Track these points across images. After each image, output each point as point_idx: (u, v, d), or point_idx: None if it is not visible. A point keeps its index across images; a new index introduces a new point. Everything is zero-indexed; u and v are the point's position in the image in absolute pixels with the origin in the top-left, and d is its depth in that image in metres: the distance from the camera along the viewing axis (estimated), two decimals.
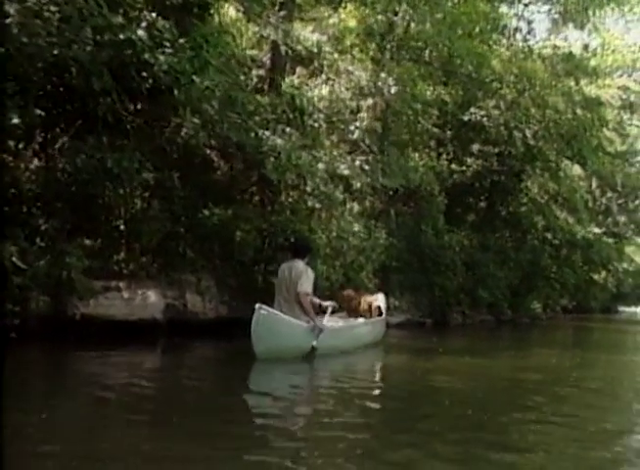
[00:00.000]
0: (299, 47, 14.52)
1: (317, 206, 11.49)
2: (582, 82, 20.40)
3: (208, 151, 11.44)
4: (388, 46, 17.36)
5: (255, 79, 15.05)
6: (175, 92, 7.91)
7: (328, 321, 10.42)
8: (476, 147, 20.37)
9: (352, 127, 13.29)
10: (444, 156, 20.24)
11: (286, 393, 7.47)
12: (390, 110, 15.50)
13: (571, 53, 19.10)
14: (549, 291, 26.61)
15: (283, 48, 14.25)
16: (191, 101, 9.83)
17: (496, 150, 20.37)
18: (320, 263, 12.61)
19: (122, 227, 10.75)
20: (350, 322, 12.15)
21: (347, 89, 15.02)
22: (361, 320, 12.44)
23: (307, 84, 14.33)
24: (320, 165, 10.56)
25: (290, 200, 12.28)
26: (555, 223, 23.33)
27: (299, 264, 9.95)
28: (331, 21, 16.47)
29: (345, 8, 16.92)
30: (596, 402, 7.63)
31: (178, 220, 11.22)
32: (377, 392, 8.02)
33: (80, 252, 8.82)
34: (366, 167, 12.10)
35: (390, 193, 15.88)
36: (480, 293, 19.88)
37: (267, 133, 10.62)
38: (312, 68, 15.30)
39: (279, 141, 10.38)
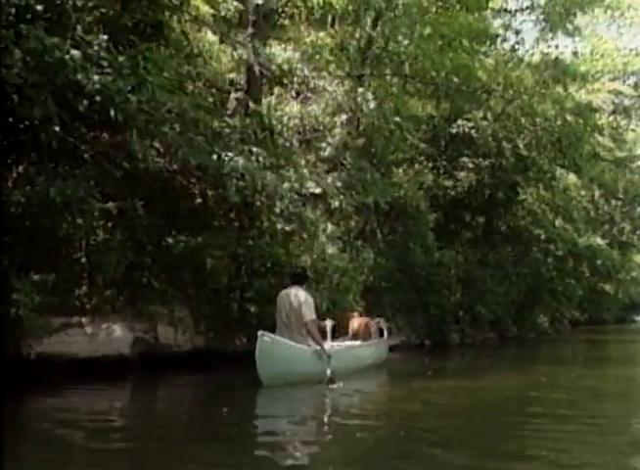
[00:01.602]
0: (273, 67, 14.14)
1: (287, 228, 10.96)
2: (572, 88, 19.86)
3: (173, 176, 10.93)
4: (368, 61, 16.99)
5: (235, 102, 14.67)
6: (112, 113, 7.44)
7: (333, 346, 10.62)
8: (466, 160, 19.87)
9: (324, 144, 12.82)
10: (434, 171, 19.71)
11: (274, 428, 6.95)
12: (370, 125, 15.01)
13: (557, 58, 18.62)
14: (555, 304, 25.94)
15: (257, 68, 13.86)
16: (145, 124, 9.49)
17: (487, 162, 19.87)
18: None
19: (84, 260, 10.28)
20: (349, 345, 12.01)
21: (325, 106, 14.54)
22: (360, 343, 12.35)
23: (283, 104, 13.86)
24: (285, 185, 10.05)
25: (265, 223, 11.77)
26: (555, 234, 22.73)
27: (299, 292, 10.05)
28: (308, 39, 16.13)
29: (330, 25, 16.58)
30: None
31: (143, 250, 10.75)
32: (374, 417, 7.57)
33: (29, 287, 8.31)
34: (338, 184, 11.59)
35: (376, 211, 15.35)
36: (479, 310, 19.24)
37: (230, 154, 10.14)
38: (291, 87, 14.88)
39: (241, 162, 9.90)
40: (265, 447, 5.84)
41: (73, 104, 7.53)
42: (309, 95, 14.85)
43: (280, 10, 17.24)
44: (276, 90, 15.57)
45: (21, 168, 9.68)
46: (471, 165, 20.34)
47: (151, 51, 7.54)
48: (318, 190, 11.12)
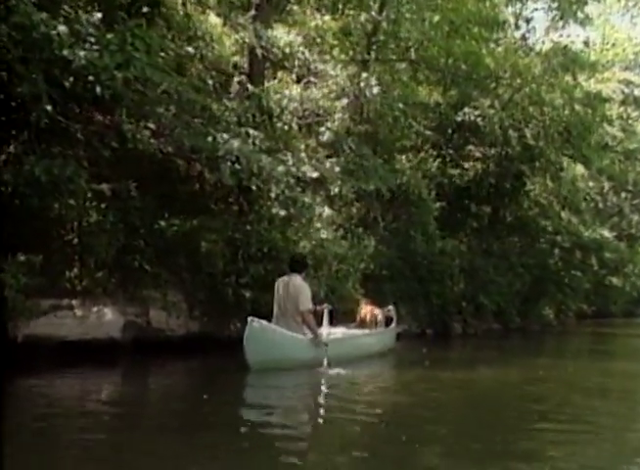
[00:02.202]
0: (275, 50, 13.93)
1: (281, 212, 10.78)
2: (581, 77, 19.53)
3: (168, 158, 10.74)
4: (373, 46, 16.75)
5: (238, 86, 14.47)
6: (98, 90, 7.26)
7: (330, 333, 10.74)
8: (472, 149, 19.59)
9: (323, 129, 12.60)
10: (439, 159, 19.43)
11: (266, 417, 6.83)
12: (373, 111, 14.77)
13: (565, 46, 18.29)
14: (561, 296, 25.65)
15: (259, 51, 13.65)
16: (138, 104, 9.32)
17: (493, 151, 19.60)
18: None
19: (75, 241, 10.14)
20: (351, 333, 12.01)
21: (328, 91, 14.31)
22: (363, 331, 12.34)
23: (284, 88, 13.63)
24: (280, 168, 9.86)
25: (263, 208, 11.59)
26: (561, 226, 22.44)
27: (297, 280, 10.15)
28: (313, 23, 15.90)
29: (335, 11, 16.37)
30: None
31: (136, 233, 10.59)
32: (354, 409, 7.37)
33: (15, 269, 8.16)
34: (337, 169, 11.38)
35: (378, 198, 15.13)
36: (481, 300, 19.02)
37: (225, 136, 9.94)
38: (293, 71, 14.65)
39: (236, 144, 9.70)
40: (245, 439, 5.68)
41: (60, 81, 7.33)
42: (312, 79, 14.64)
43: None
44: (279, 74, 15.39)
45: (12, 148, 9.51)
46: (477, 154, 20.07)
47: (140, 28, 7.34)
48: (315, 174, 10.87)
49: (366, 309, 12.93)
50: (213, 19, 14.82)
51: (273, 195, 10.45)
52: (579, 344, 20.92)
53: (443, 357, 13.36)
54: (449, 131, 19.37)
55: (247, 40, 13.61)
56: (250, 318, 9.13)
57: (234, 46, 15.04)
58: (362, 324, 12.73)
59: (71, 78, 7.31)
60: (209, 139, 10.04)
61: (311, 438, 5.99)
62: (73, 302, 9.79)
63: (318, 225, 11.60)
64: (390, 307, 13.59)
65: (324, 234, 11.67)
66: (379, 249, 15.38)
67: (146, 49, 7.53)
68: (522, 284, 21.91)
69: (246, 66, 14.49)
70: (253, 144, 10.65)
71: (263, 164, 10.00)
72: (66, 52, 7.04)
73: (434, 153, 19.45)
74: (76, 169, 8.07)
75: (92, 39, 7.29)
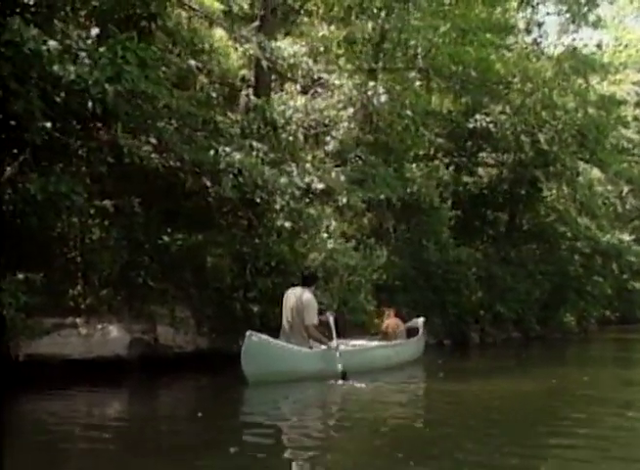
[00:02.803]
0: (280, 61, 13.84)
1: (286, 224, 10.62)
2: (594, 80, 19.27)
3: (172, 173, 10.63)
4: (381, 55, 16.63)
5: (246, 98, 14.40)
6: (89, 105, 7.17)
7: (342, 345, 10.66)
8: (484, 155, 19.37)
9: (328, 138, 12.45)
10: (452, 167, 19.22)
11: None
12: (382, 120, 14.63)
13: (575, 48, 18.06)
14: (583, 303, 25.20)
15: (264, 63, 13.57)
16: (137, 118, 9.24)
17: (506, 157, 19.36)
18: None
19: (79, 259, 10.04)
20: (363, 345, 12.04)
21: (335, 100, 14.18)
22: (377, 343, 12.38)
23: (290, 99, 13.53)
24: (283, 180, 9.72)
25: (270, 221, 11.43)
26: (578, 231, 22.09)
27: (305, 294, 10.15)
28: (319, 34, 15.82)
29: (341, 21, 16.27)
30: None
31: (141, 249, 10.48)
32: (354, 424, 7.22)
33: (13, 287, 8.06)
34: (342, 179, 11.22)
35: (389, 208, 14.95)
36: (498, 309, 18.72)
37: (227, 149, 9.83)
38: (298, 82, 14.56)
39: (238, 157, 9.58)
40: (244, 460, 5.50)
41: (52, 97, 7.25)
42: (319, 90, 14.53)
43: (297, 7, 17.10)
44: (286, 86, 15.30)
45: (11, 167, 9.44)
46: (490, 161, 19.84)
47: (131, 41, 7.24)
48: (321, 185, 10.72)
49: (388, 321, 12.98)
50: (219, 32, 14.83)
51: (278, 207, 10.26)
52: (601, 351, 20.50)
53: (459, 368, 13.08)
54: (461, 138, 19.13)
55: (251, 52, 13.57)
56: (248, 332, 9.17)
57: (240, 59, 15.04)
58: (385, 336, 12.78)
59: (63, 94, 7.18)
60: (211, 152, 9.95)
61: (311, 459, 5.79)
62: (77, 320, 9.68)
63: (324, 236, 11.40)
64: (420, 319, 13.69)
65: (331, 245, 11.45)
66: (391, 259, 15.17)
67: (138, 62, 7.39)
68: (541, 291, 21.56)
69: (252, 78, 14.48)
70: (257, 156, 10.54)
71: (266, 176, 9.87)
72: (56, 67, 6.94)
73: (447, 161, 19.25)
74: (72, 186, 7.95)
75: (83, 54, 7.17)
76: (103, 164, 8.58)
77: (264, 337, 9.40)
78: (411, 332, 13.32)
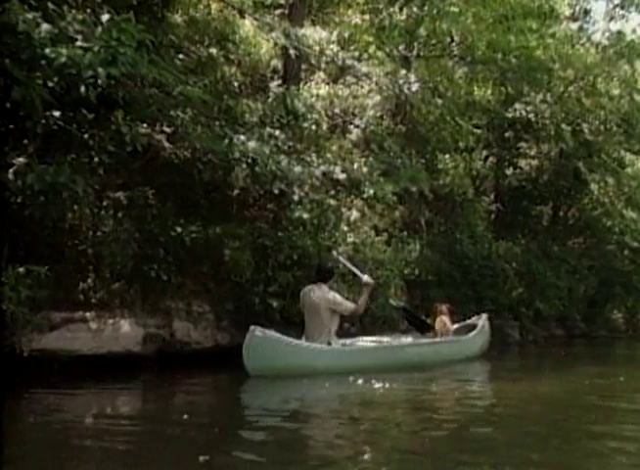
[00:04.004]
0: (307, 49, 13.42)
1: (304, 216, 10.21)
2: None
3: (189, 163, 10.31)
4: (415, 43, 16.11)
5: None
6: (82, 89, 6.83)
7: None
8: (524, 145, 18.62)
9: (352, 127, 11.98)
10: (491, 158, 18.57)
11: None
12: (414, 109, 14.12)
13: (620, 32, 17.27)
14: (632, 300, 24.26)
15: (292, 51, 13.17)
16: (145, 106, 8.93)
17: (547, 148, 18.59)
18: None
19: (90, 251, 9.76)
20: (389, 341, 11.77)
21: (369, 90, 13.74)
22: (407, 340, 12.15)
23: (315, 88, 13.13)
24: (297, 169, 9.30)
25: (290, 212, 11.04)
26: (624, 225, 21.18)
27: (324, 290, 10.26)
28: (351, 21, 15.38)
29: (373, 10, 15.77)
30: None
31: (156, 241, 10.16)
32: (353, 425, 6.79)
33: (14, 281, 7.80)
34: (364, 170, 10.75)
35: (421, 200, 14.45)
36: (538, 305, 18.02)
37: (242, 138, 9.45)
38: (326, 70, 14.13)
39: (252, 145, 9.18)
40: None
41: (45, 81, 6.96)
42: (350, 79, 14.10)
43: None
44: (317, 75, 14.88)
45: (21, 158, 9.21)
46: (531, 152, 19.10)
47: (128, 22, 6.89)
48: (342, 176, 10.27)
49: (439, 318, 12.81)
50: (249, 23, 14.49)
51: (296, 198, 9.85)
52: None
53: (488, 368, 12.45)
54: (501, 129, 18.45)
55: (277, 40, 13.20)
56: (252, 327, 9.25)
57: (268, 48, 14.68)
58: (435, 334, 12.61)
59: (56, 78, 6.88)
60: (225, 141, 9.57)
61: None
62: (87, 314, 9.40)
63: (345, 229, 10.96)
64: (482, 315, 13.45)
65: (351, 238, 11.02)
66: (424, 253, 14.66)
67: (137, 45, 7.04)
68: (586, 287, 20.79)
69: (280, 67, 14.13)
70: (276, 145, 10.14)
71: (283, 165, 9.46)
72: (48, 50, 6.64)
73: (486, 152, 18.60)
74: (71, 176, 7.63)
75: (79, 37, 6.85)
76: (105, 154, 8.20)
77: (269, 332, 9.43)
78: (471, 330, 13.01)
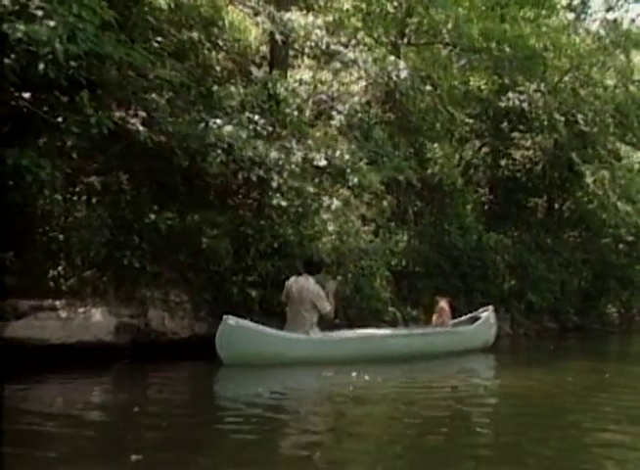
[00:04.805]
0: (294, 34, 13.11)
1: (282, 203, 9.94)
2: (636, 56, 18.10)
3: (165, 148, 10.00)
4: (407, 29, 15.81)
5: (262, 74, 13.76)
6: (41, 66, 6.54)
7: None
8: (517, 135, 18.28)
9: (334, 113, 11.66)
10: (485, 148, 18.26)
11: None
12: (403, 97, 13.80)
13: (615, 20, 16.96)
14: (627, 294, 23.95)
15: (278, 36, 12.88)
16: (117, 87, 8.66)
17: (541, 139, 18.25)
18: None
19: (61, 237, 9.49)
20: (372, 332, 11.44)
21: (356, 76, 13.42)
22: (391, 331, 11.90)
23: (299, 73, 12.83)
24: (273, 154, 9.03)
25: (270, 200, 10.74)
26: (619, 217, 20.85)
27: (310, 283, 10.23)
28: (341, 7, 15.06)
29: None
30: None
31: (129, 228, 9.89)
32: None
33: None
34: (346, 157, 10.45)
35: (409, 190, 14.16)
36: (530, 298, 17.73)
37: (218, 122, 9.18)
38: (317, 56, 13.82)
39: (228, 129, 8.91)
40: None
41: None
42: (338, 65, 13.78)
43: None
44: (305, 61, 14.57)
45: None
46: (526, 143, 18.76)
47: None
48: (323, 163, 10.00)
49: (437, 310, 12.66)
50: (233, 7, 14.20)
51: (275, 185, 9.57)
52: None
53: (474, 362, 12.17)
54: (495, 119, 18.11)
55: (264, 26, 12.92)
56: (225, 316, 9.39)
57: (257, 34, 14.39)
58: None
59: (13, 55, 6.59)
60: (201, 126, 9.31)
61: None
62: (57, 302, 9.14)
63: (325, 217, 10.68)
64: (487, 308, 13.20)
65: (331, 227, 10.75)
66: (412, 244, 14.38)
67: (100, 22, 6.75)
68: (580, 281, 20.52)
69: (268, 54, 13.87)
70: (254, 130, 9.86)
71: (260, 151, 9.19)
72: (5, 26, 6.35)
73: (479, 142, 18.29)
74: (35, 159, 7.35)
75: (39, 12, 6.55)
76: (73, 137, 7.91)
77: (243, 321, 9.55)
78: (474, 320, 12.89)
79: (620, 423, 6.52)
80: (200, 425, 6.18)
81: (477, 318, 12.91)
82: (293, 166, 9.71)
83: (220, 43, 13.33)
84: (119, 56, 7.64)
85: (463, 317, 13.13)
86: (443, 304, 12.67)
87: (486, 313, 12.96)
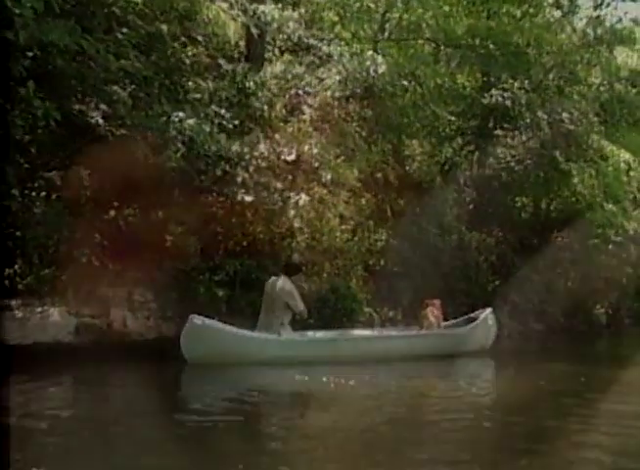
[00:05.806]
0: (268, 28, 12.82)
1: (247, 198, 9.63)
2: (621, 54, 17.81)
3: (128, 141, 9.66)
4: (387, 25, 15.53)
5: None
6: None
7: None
8: (500, 133, 17.96)
9: (305, 107, 11.36)
10: (469, 146, 17.93)
11: None
12: (381, 92, 13.46)
13: (598, 16, 16.69)
14: (616, 295, 23.65)
15: (253, 30, 12.60)
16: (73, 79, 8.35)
17: (524, 137, 17.93)
18: None
19: (18, 234, 9.15)
20: (348, 334, 11.48)
21: (337, 72, 13.11)
22: (369, 332, 11.93)
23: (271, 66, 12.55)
24: (234, 148, 8.74)
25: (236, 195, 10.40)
26: (605, 218, 20.55)
27: (286, 284, 10.22)
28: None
29: None
30: None
31: (90, 225, 9.56)
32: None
33: None
34: (314, 151, 10.15)
35: (387, 187, 13.84)
36: (513, 299, 17.41)
37: (181, 114, 8.86)
38: (282, 47, 13.57)
39: (190, 123, 8.59)
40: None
41: None
42: (315, 60, 13.48)
43: None
44: (285, 57, 14.27)
45: None
46: (509, 141, 18.43)
47: None
48: (291, 157, 9.71)
49: (424, 312, 12.26)
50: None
51: (239, 180, 9.27)
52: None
53: (449, 366, 11.83)
54: (478, 116, 17.78)
55: (238, 18, 12.66)
56: (191, 315, 9.40)
57: (236, 28, 14.09)
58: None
59: None
60: (163, 119, 8.99)
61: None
62: (13, 302, 8.82)
63: (292, 213, 10.37)
64: (486, 310, 12.97)
65: (297, 223, 10.45)
66: (390, 242, 14.06)
67: (43, 9, 6.41)
68: (567, 281, 20.20)
69: (244, 49, 13.60)
70: (220, 124, 9.55)
71: (222, 144, 8.88)
72: None
73: (461, 140, 17.97)
74: None
75: None
76: (17, 129, 7.58)
77: (208, 320, 9.59)
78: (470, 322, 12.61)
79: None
80: (153, 426, 5.94)
81: (473, 320, 12.53)
82: (259, 161, 9.35)
83: (200, 38, 13.00)
84: (65, 44, 7.24)
85: (460, 318, 12.83)
86: (433, 306, 12.35)
87: (484, 315, 12.65)
